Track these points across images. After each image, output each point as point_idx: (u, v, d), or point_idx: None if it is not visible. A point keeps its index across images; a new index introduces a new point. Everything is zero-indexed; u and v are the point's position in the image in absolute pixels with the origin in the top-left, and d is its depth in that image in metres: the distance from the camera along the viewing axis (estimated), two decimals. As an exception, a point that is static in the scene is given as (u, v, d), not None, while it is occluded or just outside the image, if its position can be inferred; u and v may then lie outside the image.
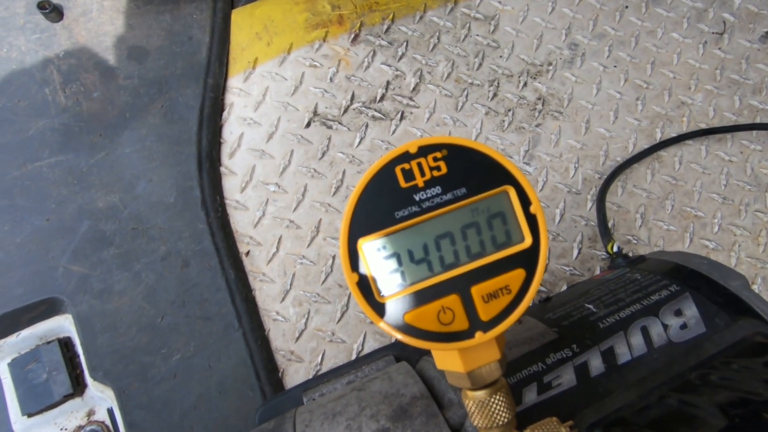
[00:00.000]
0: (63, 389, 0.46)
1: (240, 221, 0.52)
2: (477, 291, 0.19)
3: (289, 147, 0.54)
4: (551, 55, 0.64)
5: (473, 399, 0.22)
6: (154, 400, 0.46)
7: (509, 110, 0.61)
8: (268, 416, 0.42)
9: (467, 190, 0.19)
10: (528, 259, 0.20)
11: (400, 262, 0.19)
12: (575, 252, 0.56)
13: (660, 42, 0.68)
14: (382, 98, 0.58)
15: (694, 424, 0.25)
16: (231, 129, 0.54)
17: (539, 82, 0.62)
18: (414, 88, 0.59)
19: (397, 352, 0.46)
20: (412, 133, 0.57)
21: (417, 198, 0.19)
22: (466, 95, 0.60)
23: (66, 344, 0.48)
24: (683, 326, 0.32)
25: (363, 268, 0.19)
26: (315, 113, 0.56)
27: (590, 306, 0.35)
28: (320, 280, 0.51)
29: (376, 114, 0.57)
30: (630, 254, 0.55)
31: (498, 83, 0.61)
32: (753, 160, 0.64)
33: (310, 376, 0.49)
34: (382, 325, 0.19)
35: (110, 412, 0.47)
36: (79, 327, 0.47)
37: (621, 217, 0.59)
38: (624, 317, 0.33)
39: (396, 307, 0.19)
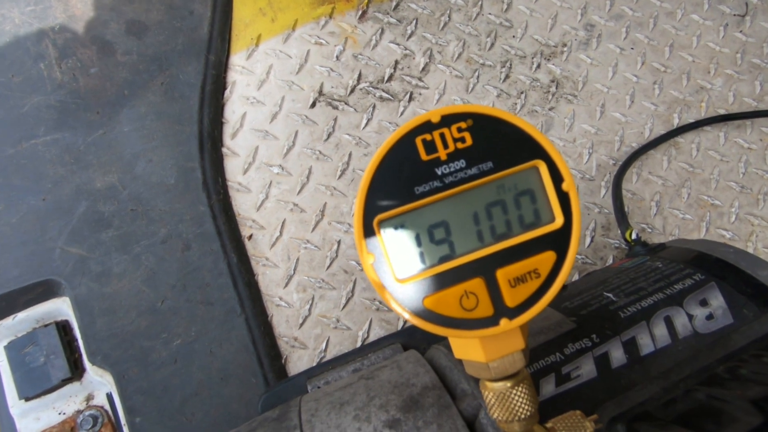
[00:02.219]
0: (61, 373, 0.45)
1: (242, 204, 0.50)
2: (503, 274, 0.18)
3: (293, 128, 0.52)
4: (566, 36, 0.62)
5: (493, 390, 0.21)
6: (155, 386, 0.45)
7: (522, 93, 0.58)
8: (272, 404, 0.41)
9: (494, 164, 0.18)
10: (559, 241, 0.18)
11: (419, 242, 0.18)
12: (588, 240, 0.54)
13: (679, 24, 0.65)
14: (391, 78, 0.56)
15: (723, 419, 0.23)
16: (233, 108, 0.52)
17: (553, 64, 0.60)
18: (423, 68, 0.57)
19: (404, 340, 0.44)
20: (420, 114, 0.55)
21: (439, 172, 0.17)
22: (478, 76, 0.58)
23: (64, 327, 0.47)
24: (709, 317, 0.30)
25: (379, 248, 0.17)
26: (320, 93, 0.54)
27: (609, 295, 0.33)
28: (325, 266, 0.50)
29: (384, 95, 0.55)
30: (647, 242, 0.53)
31: (510, 64, 0.59)
32: (773, 147, 0.61)
33: (314, 364, 0.48)
34: (398, 309, 0.17)
35: (109, 396, 0.46)
36: (77, 310, 0.46)
37: (635, 205, 0.57)
38: (646, 307, 0.31)
39: (414, 290, 0.18)
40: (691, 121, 0.61)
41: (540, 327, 0.32)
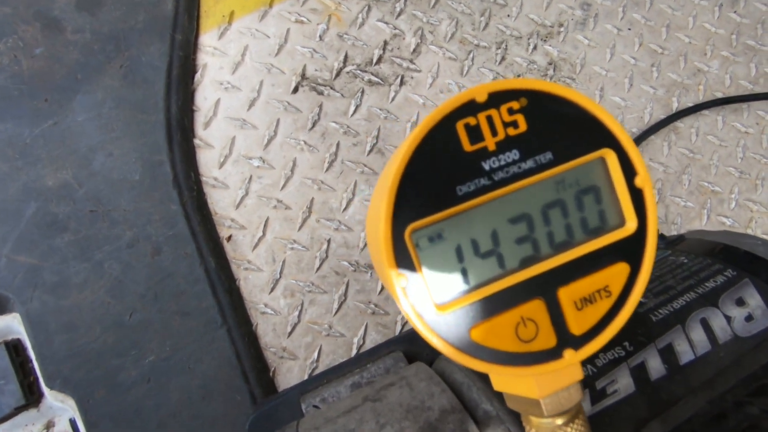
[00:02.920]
0: (13, 400, 0.39)
1: (219, 201, 0.45)
2: (567, 294, 0.14)
3: (274, 115, 0.47)
4: (562, 15, 0.58)
5: (542, 428, 0.17)
6: (125, 409, 0.40)
7: (518, 76, 0.55)
8: (263, 425, 0.36)
9: (553, 155, 0.14)
10: (632, 249, 0.14)
11: (461, 257, 0.14)
12: (591, 231, 0.52)
13: (675, 4, 0.63)
14: (379, 60, 0.51)
15: (783, 437, 0.21)
16: (205, 94, 0.47)
17: (550, 45, 0.57)
18: (414, 50, 0.52)
19: (404, 346, 0.41)
20: (414, 100, 0.51)
21: (487, 167, 0.13)
22: (472, 58, 0.54)
23: (15, 348, 0.41)
24: (748, 318, 0.27)
25: (412, 267, 0.13)
26: (303, 77, 0.49)
27: (634, 295, 0.31)
28: (314, 267, 0.45)
29: (373, 78, 0.50)
30: (663, 233, 0.51)
31: (506, 46, 0.55)
32: (768, 131, 0.60)
33: (306, 376, 0.44)
34: (438, 344, 0.13)
35: (72, 423, 0.41)
36: (30, 327, 0.40)
37: (637, 193, 0.54)
38: (679, 308, 0.28)
39: (458, 319, 0.14)
40: (690, 104, 0.59)
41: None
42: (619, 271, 0.14)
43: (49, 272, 0.41)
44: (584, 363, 0.26)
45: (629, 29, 0.60)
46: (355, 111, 0.49)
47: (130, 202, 0.42)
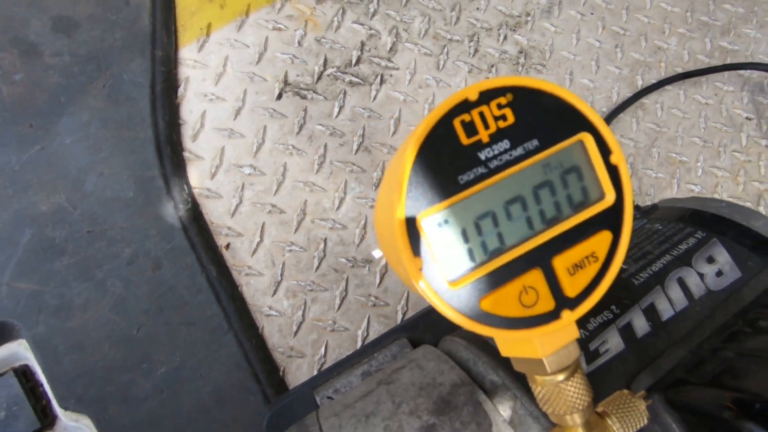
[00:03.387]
0: (28, 425, 0.39)
1: (214, 211, 0.46)
2: (560, 262, 0.16)
3: (260, 123, 0.48)
4: (528, 5, 0.61)
5: (546, 385, 0.19)
6: (141, 422, 0.41)
7: (492, 66, 0.57)
8: (279, 422, 0.38)
9: (539, 141, 0.16)
10: (612, 219, 0.16)
11: (466, 238, 0.16)
12: (572, 209, 0.55)
13: (632, -14, 0.66)
14: (358, 61, 0.52)
15: (756, 373, 0.24)
16: (190, 107, 0.47)
17: (519, 35, 0.59)
18: (391, 48, 0.54)
19: (408, 333, 0.42)
20: (395, 98, 0.52)
21: (482, 156, 0.15)
22: (447, 53, 0.56)
23: (24, 374, 0.41)
24: (719, 273, 0.30)
25: (425, 250, 0.15)
26: (286, 82, 0.50)
27: (617, 263, 0.33)
28: (313, 267, 0.47)
29: (354, 79, 0.52)
30: (638, 204, 0.54)
31: (478, 38, 0.57)
32: (727, 101, 0.64)
33: (315, 371, 0.45)
34: (454, 316, 0.15)
35: (90, 441, 0.41)
36: (38, 352, 0.40)
37: (612, 169, 0.58)
38: (657, 271, 0.31)
39: (469, 293, 0.15)
40: (653, 81, 0.62)
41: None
42: (603, 238, 0.16)
43: (52, 296, 0.41)
44: (578, 327, 0.29)
45: (592, 13, 0.63)
46: (339, 112, 0.50)
47: (126, 220, 0.43)
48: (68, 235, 0.42)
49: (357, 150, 0.50)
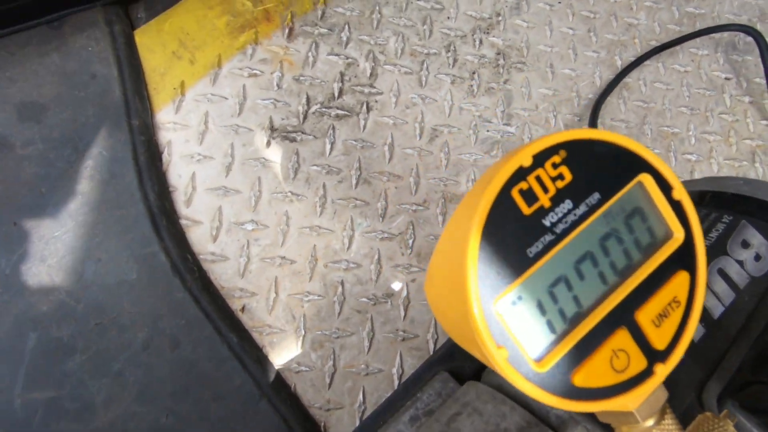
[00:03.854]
0: None
1: (223, 275, 0.44)
2: (644, 316, 0.15)
3: (254, 175, 0.47)
4: (497, 5, 0.60)
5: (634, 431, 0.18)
6: None
7: (473, 72, 0.56)
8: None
9: (600, 194, 0.15)
10: (686, 257, 0.15)
11: (543, 310, 0.14)
12: (580, 202, 0.54)
13: (593, -31, 0.66)
14: (341, 93, 0.51)
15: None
16: (178, 172, 0.45)
17: (494, 36, 0.59)
18: (371, 74, 0.53)
19: (445, 365, 0.41)
20: (384, 123, 0.51)
21: (547, 223, 0.14)
22: (427, 68, 0.55)
23: (55, 487, 0.38)
24: (757, 257, 0.30)
25: (506, 336, 0.14)
26: (272, 129, 0.48)
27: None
28: (335, 313, 0.45)
29: (340, 112, 0.50)
30: None
31: (454, 47, 0.57)
32: (704, 65, 0.65)
33: (357, 421, 0.43)
34: (549, 400, 0.14)
35: None
36: (66, 462, 0.38)
37: (610, 155, 0.57)
38: (696, 265, 0.30)
39: (559, 371, 0.14)
40: (632, 59, 0.62)
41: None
42: (682, 279, 0.15)
43: (70, 399, 0.38)
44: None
45: (559, 2, 0.63)
46: (331, 149, 0.49)
47: (134, 303, 0.40)
48: (75, 332, 0.39)
49: (357, 184, 0.48)
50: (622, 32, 0.64)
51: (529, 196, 0.14)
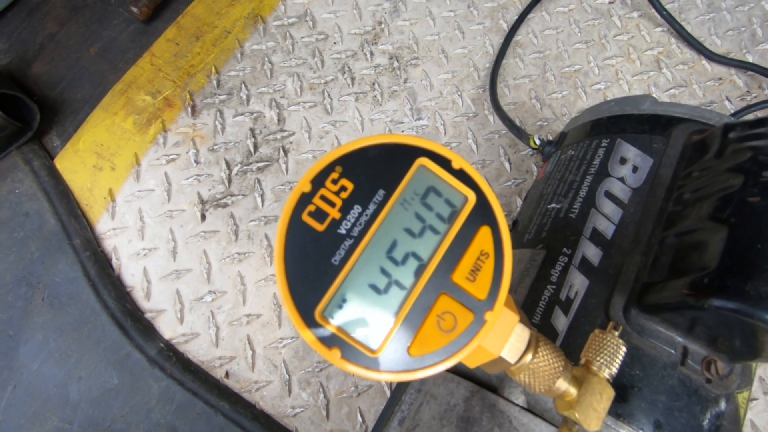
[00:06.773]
0: None
1: (199, 350, 0.46)
2: (458, 276, 0.17)
3: (199, 250, 0.49)
4: (376, 14, 0.64)
5: (521, 372, 0.20)
6: None
7: (373, 83, 0.59)
8: None
9: (385, 189, 0.17)
10: (483, 213, 0.18)
11: (369, 303, 0.16)
12: (507, 165, 0.56)
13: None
14: (256, 147, 0.54)
15: (702, 246, 0.25)
16: (131, 271, 0.48)
17: (382, 44, 0.62)
18: (279, 119, 0.56)
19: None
20: (303, 160, 0.54)
21: (342, 231, 0.16)
22: (329, 95, 0.58)
23: None
24: (634, 169, 0.32)
25: (337, 337, 0.16)
26: (203, 202, 0.51)
27: (553, 205, 0.34)
28: (312, 350, 0.47)
29: (261, 164, 0.53)
30: (551, 137, 0.56)
31: (348, 67, 0.60)
32: (585, -1, 0.67)
33: (365, 440, 0.45)
34: (393, 378, 0.16)
35: None
36: None
37: (522, 112, 0.60)
38: (585, 195, 0.32)
39: (394, 350, 0.16)
40: (515, 19, 0.65)
41: (519, 271, 0.32)
42: (484, 233, 0.17)
43: None
44: (542, 286, 0.30)
45: (432, -7, 0.66)
46: (263, 200, 0.52)
47: (124, 406, 0.43)
48: (79, 450, 0.41)
49: (295, 224, 0.51)
50: (499, -3, 0.67)
51: (319, 215, 0.16)
